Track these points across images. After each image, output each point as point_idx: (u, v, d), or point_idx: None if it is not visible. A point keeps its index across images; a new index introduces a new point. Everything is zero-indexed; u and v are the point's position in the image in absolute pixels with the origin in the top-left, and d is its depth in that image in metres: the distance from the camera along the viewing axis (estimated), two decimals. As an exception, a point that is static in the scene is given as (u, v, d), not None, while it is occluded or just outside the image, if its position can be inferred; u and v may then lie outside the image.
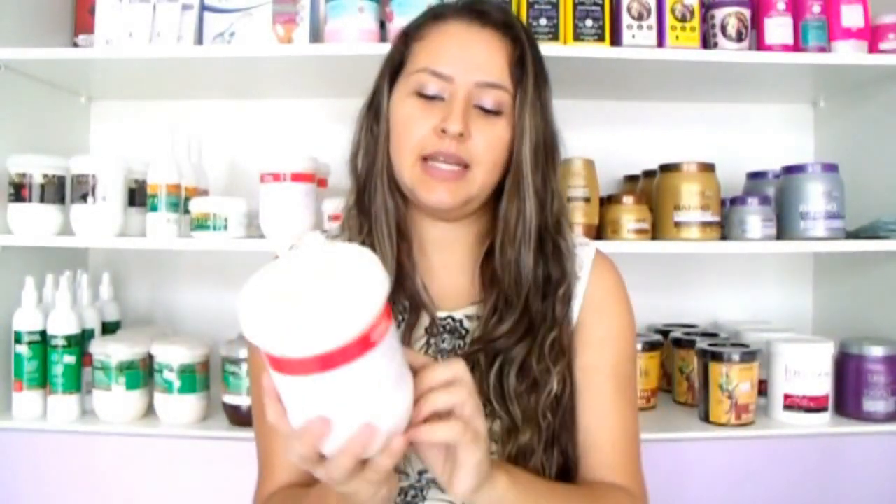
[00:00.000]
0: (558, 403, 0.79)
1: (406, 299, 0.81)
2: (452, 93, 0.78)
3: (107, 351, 1.33)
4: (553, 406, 0.78)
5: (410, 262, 0.83)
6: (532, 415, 0.77)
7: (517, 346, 0.78)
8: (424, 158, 0.78)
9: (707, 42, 1.37)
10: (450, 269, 0.85)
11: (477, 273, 0.84)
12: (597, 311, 0.84)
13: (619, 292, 0.87)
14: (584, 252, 0.87)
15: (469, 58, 0.78)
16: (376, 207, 0.82)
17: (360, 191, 0.84)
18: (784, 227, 1.38)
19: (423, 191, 0.78)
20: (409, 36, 0.83)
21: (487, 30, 0.80)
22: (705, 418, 1.35)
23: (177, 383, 1.32)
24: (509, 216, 0.81)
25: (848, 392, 1.38)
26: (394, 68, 0.83)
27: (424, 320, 0.82)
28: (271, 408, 0.56)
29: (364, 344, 0.51)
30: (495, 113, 0.79)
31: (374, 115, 0.83)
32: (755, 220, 1.36)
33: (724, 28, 1.35)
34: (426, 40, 0.81)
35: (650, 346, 1.44)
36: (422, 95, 0.78)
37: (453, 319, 0.83)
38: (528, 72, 0.80)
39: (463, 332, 0.82)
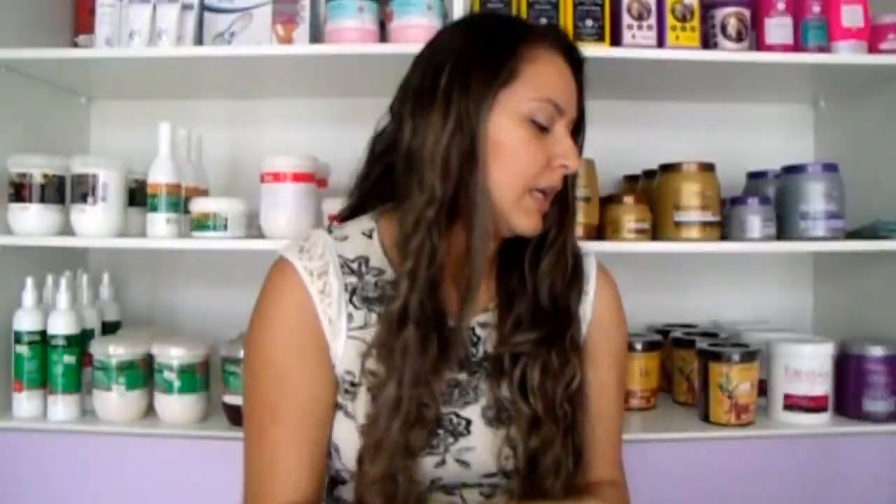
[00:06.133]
0: (573, 394, 0.82)
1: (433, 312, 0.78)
2: (561, 127, 0.79)
3: (107, 351, 1.33)
4: (569, 397, 0.82)
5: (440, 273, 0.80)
6: (552, 406, 0.80)
7: (541, 347, 0.81)
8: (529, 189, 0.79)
9: (707, 42, 1.37)
10: (460, 280, 0.82)
11: (492, 281, 0.86)
12: (605, 330, 0.89)
13: (621, 310, 0.93)
14: (587, 262, 0.90)
15: (571, 94, 0.81)
16: (477, 226, 0.76)
17: (448, 202, 0.76)
18: (784, 227, 1.38)
19: (524, 218, 0.79)
20: (519, 54, 0.78)
21: (572, 67, 0.82)
22: (705, 418, 1.35)
23: (177, 383, 1.32)
24: (559, 238, 0.84)
25: (848, 392, 1.38)
26: (500, 83, 0.77)
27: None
28: None
29: None
30: None
31: (458, 123, 0.75)
32: (755, 220, 1.36)
33: (724, 28, 1.35)
34: (540, 65, 0.78)
35: (650, 346, 1.44)
36: (534, 123, 0.77)
37: (467, 328, 0.82)
38: (584, 111, 0.85)
39: (475, 339, 0.83)
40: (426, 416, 0.76)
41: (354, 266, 0.80)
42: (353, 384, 0.78)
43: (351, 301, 0.79)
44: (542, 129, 0.78)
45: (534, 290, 0.83)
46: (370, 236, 0.83)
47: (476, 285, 0.78)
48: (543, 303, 0.83)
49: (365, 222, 0.84)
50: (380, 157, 0.85)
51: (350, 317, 0.78)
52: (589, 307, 0.88)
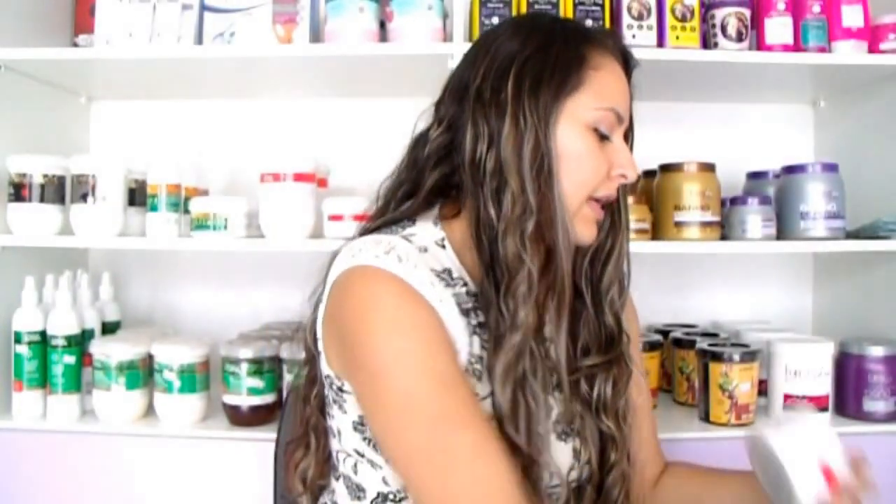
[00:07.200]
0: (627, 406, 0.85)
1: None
2: (619, 137, 0.79)
3: (107, 351, 1.33)
4: (626, 410, 0.85)
5: None
6: (620, 420, 0.83)
7: (610, 366, 0.83)
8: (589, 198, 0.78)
9: (707, 42, 1.37)
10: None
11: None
12: (631, 334, 0.90)
13: (637, 318, 0.97)
14: None
15: (628, 101, 0.80)
16: (560, 237, 0.74)
17: (537, 218, 0.74)
18: (784, 227, 1.38)
19: (584, 228, 0.78)
20: (585, 60, 0.76)
21: (626, 74, 0.82)
22: (705, 418, 1.35)
23: (177, 383, 1.32)
24: (615, 249, 0.83)
25: (848, 392, 1.38)
26: (568, 91, 0.75)
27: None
28: None
29: None
30: None
31: (533, 132, 0.73)
32: (755, 220, 1.36)
33: (724, 28, 1.35)
34: (604, 73, 0.77)
35: (650, 346, 1.44)
36: (597, 132, 0.76)
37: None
38: (633, 117, 0.84)
39: None
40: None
41: (445, 277, 0.75)
42: None
43: (462, 313, 0.74)
44: (603, 138, 0.77)
45: (594, 307, 0.83)
46: (443, 246, 0.78)
47: (566, 299, 0.76)
48: (608, 322, 0.83)
49: (431, 230, 0.79)
50: (431, 163, 0.80)
51: (467, 328, 0.74)
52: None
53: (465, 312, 0.74)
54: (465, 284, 0.77)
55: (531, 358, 0.73)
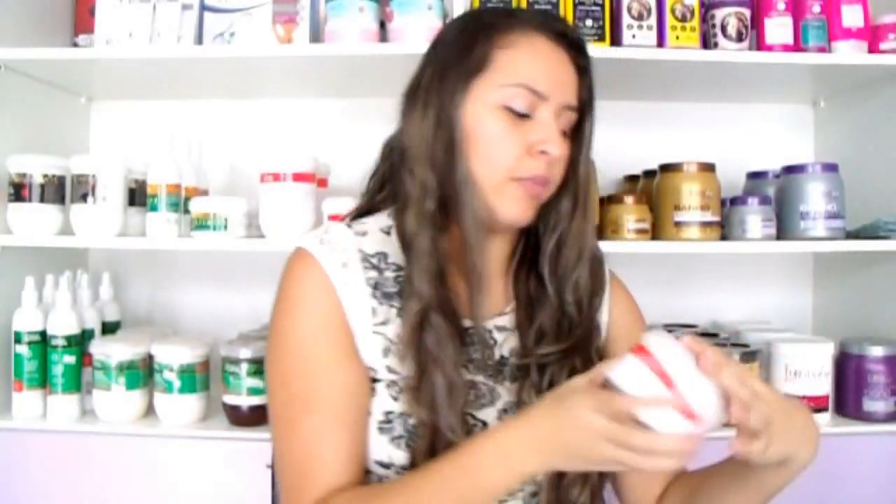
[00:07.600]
0: None
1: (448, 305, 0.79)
2: (545, 113, 0.77)
3: (107, 351, 1.33)
4: None
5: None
6: None
7: (567, 356, 0.81)
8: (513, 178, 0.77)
9: (707, 42, 1.37)
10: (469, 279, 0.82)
11: (509, 283, 0.85)
12: (626, 330, 0.89)
13: (638, 309, 0.95)
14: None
15: (558, 78, 0.78)
16: (465, 217, 0.76)
17: (439, 196, 0.77)
18: (784, 227, 1.38)
19: (509, 206, 0.77)
20: (492, 41, 0.77)
21: (567, 50, 0.80)
22: (705, 418, 1.35)
23: (177, 383, 1.32)
24: (573, 232, 0.82)
25: (848, 392, 1.38)
26: (471, 71, 0.77)
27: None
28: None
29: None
30: (565, 134, 0.80)
31: (437, 115, 0.77)
32: (755, 220, 1.36)
33: (724, 28, 1.35)
34: (515, 51, 0.77)
35: (650, 346, 1.44)
36: (510, 111, 0.76)
37: (484, 329, 0.82)
38: (593, 95, 0.83)
39: (492, 341, 0.83)
40: (476, 396, 0.79)
41: (374, 261, 0.79)
42: (373, 380, 0.77)
43: (373, 296, 0.77)
44: (522, 116, 0.76)
45: (556, 295, 0.82)
46: (388, 233, 0.82)
47: (480, 278, 0.77)
48: (569, 310, 0.82)
49: (382, 219, 0.83)
50: (385, 157, 0.86)
51: (374, 311, 0.77)
52: (605, 311, 0.87)
53: (387, 296, 0.78)
54: (399, 269, 0.80)
55: (435, 330, 0.75)
